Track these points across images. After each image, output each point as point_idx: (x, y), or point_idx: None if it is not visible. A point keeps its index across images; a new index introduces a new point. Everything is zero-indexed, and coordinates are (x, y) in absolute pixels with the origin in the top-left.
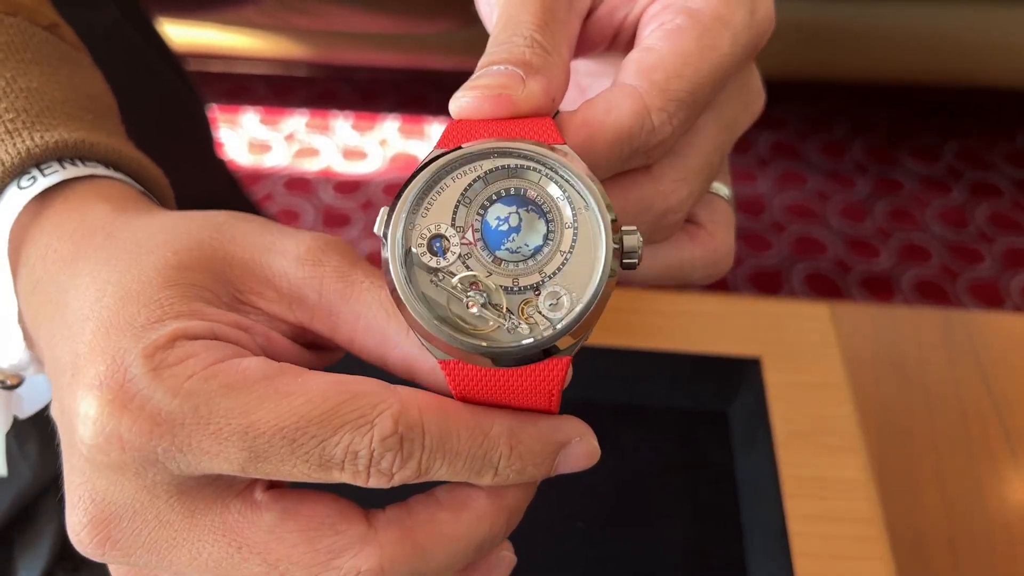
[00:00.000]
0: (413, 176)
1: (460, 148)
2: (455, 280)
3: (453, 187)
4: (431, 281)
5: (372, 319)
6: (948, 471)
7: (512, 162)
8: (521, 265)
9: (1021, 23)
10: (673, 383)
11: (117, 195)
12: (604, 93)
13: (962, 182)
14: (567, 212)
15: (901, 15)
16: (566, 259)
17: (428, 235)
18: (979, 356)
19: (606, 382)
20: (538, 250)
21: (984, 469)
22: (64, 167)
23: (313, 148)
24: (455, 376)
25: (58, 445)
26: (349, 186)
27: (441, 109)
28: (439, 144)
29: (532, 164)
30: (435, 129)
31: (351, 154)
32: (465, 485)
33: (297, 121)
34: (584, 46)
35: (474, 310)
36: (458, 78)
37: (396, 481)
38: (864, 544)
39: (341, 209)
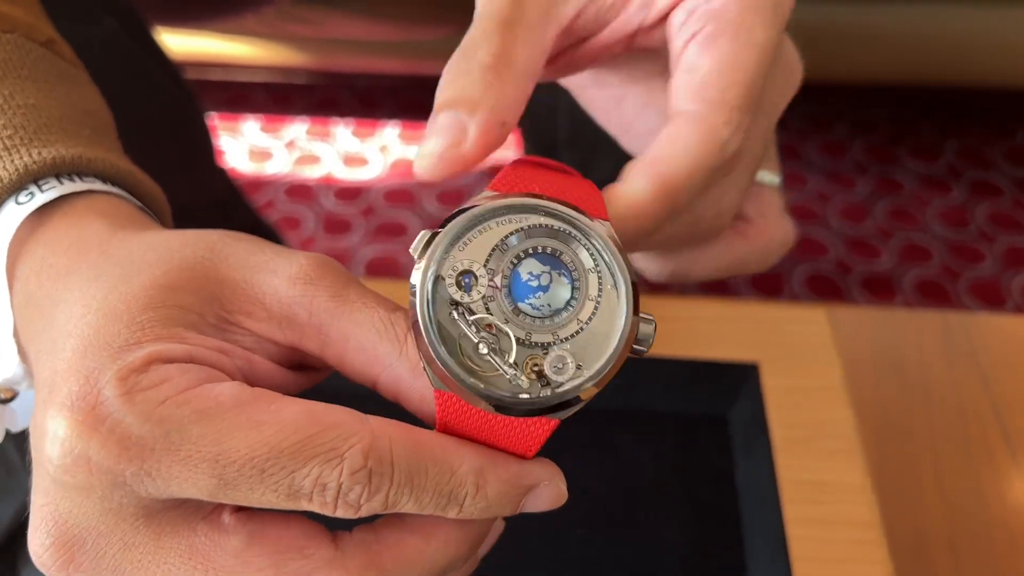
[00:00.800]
0: (460, 211)
1: (508, 196)
2: (473, 318)
3: (495, 231)
4: (450, 313)
5: (363, 339)
6: (948, 472)
7: (556, 224)
8: (538, 322)
9: (1019, 23)
10: (671, 388)
11: (115, 211)
12: (665, 130)
13: (962, 181)
14: (594, 284)
15: (900, 15)
16: (582, 328)
17: (460, 268)
18: (978, 358)
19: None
20: (557, 313)
21: (983, 470)
22: (62, 183)
23: (314, 155)
24: (444, 407)
25: (30, 463)
26: (350, 192)
27: None
28: (493, 185)
29: (572, 231)
30: None
31: (352, 161)
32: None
33: (298, 128)
34: (597, 54)
35: (483, 350)
36: None
37: (363, 512)
38: (863, 548)
39: (342, 216)
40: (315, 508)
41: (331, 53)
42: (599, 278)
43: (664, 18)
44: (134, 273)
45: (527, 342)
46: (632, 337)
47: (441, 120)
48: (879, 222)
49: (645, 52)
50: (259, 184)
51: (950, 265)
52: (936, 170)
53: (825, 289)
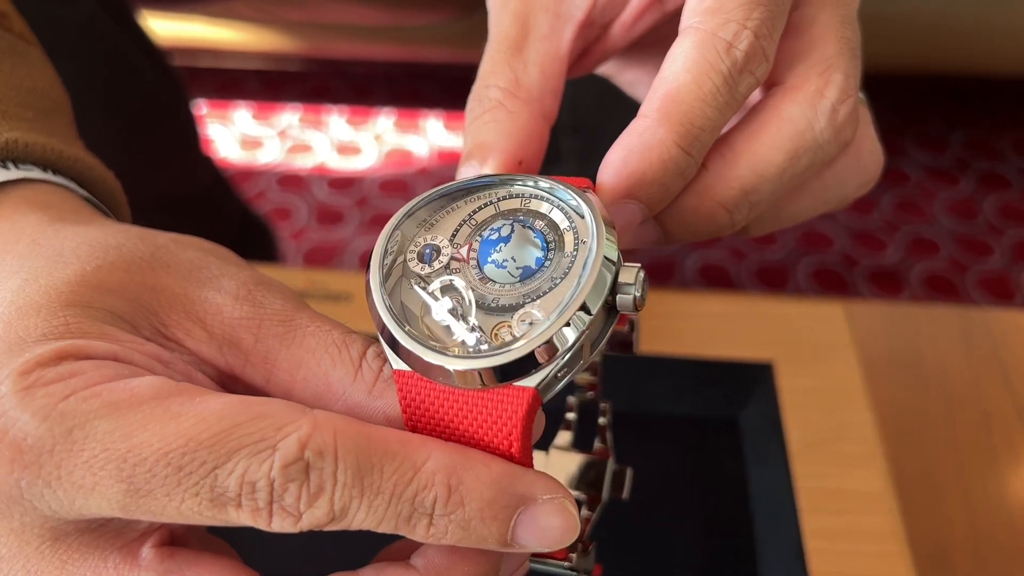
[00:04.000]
0: (422, 195)
1: (477, 178)
2: (431, 286)
3: (463, 208)
4: (412, 286)
5: (315, 366)
6: (971, 477)
7: (527, 189)
8: (508, 287)
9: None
10: (680, 389)
11: (54, 203)
12: (663, 65)
13: (970, 173)
14: (570, 242)
15: (904, 1)
16: (554, 284)
17: (421, 244)
18: (1000, 356)
19: (608, 388)
20: (529, 274)
21: (1009, 474)
22: (7, 169)
23: (306, 144)
24: (406, 391)
25: None
26: (343, 183)
27: (436, 102)
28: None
29: (544, 195)
30: (431, 123)
31: (345, 150)
32: (401, 566)
33: (290, 117)
34: (626, 34)
35: (438, 316)
36: (453, 71)
37: (305, 523)
38: (885, 560)
39: (335, 206)
40: (247, 518)
41: (323, 38)
42: (575, 235)
43: None
44: (61, 264)
45: (493, 306)
46: (599, 276)
47: (461, 173)
48: (885, 214)
49: (673, 14)
50: (250, 174)
51: (958, 258)
52: (943, 161)
53: (831, 283)
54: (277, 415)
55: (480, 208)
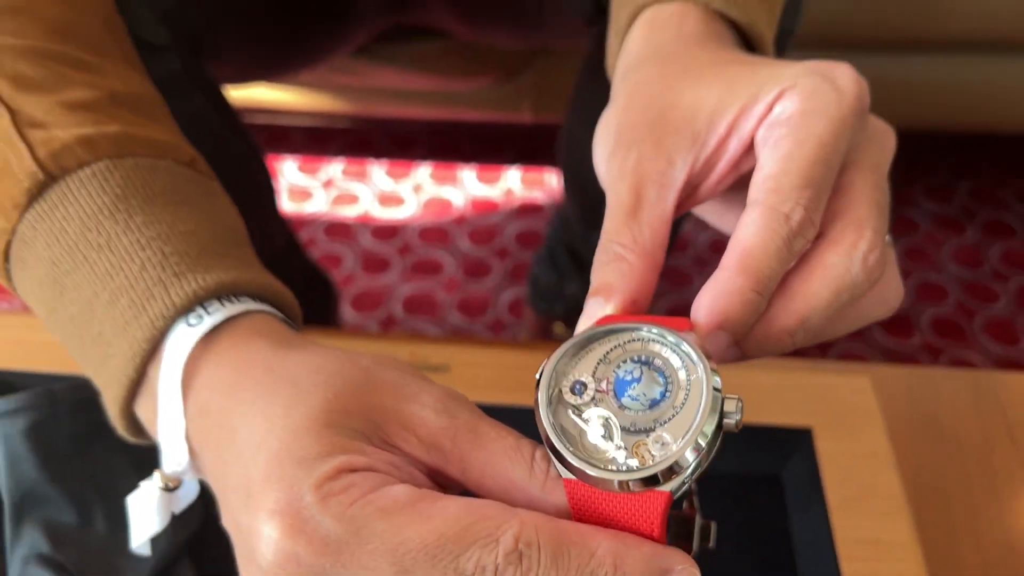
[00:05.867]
0: (568, 340)
1: (607, 325)
2: (585, 414)
3: (598, 350)
4: (570, 414)
5: (498, 465)
6: (983, 525)
7: (645, 336)
8: (640, 414)
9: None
10: (729, 451)
11: (269, 329)
12: (736, 227)
13: (976, 221)
14: (684, 377)
15: (915, 66)
16: (676, 412)
17: (572, 380)
18: (1006, 415)
19: None
20: (655, 404)
21: (1016, 521)
22: (223, 305)
23: (351, 194)
24: (573, 494)
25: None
26: (387, 231)
27: (471, 156)
28: (597, 322)
29: (659, 339)
30: (466, 175)
31: (387, 200)
32: None
33: (335, 168)
34: (713, 190)
35: (595, 440)
36: (487, 128)
37: None
38: None
39: (380, 254)
40: None
41: (370, 100)
42: (687, 372)
43: (753, 139)
44: (306, 394)
45: (632, 429)
46: (712, 407)
47: (589, 304)
48: (897, 262)
49: (746, 175)
50: (299, 223)
51: (966, 304)
52: (950, 210)
53: None
54: (497, 516)
55: (611, 350)
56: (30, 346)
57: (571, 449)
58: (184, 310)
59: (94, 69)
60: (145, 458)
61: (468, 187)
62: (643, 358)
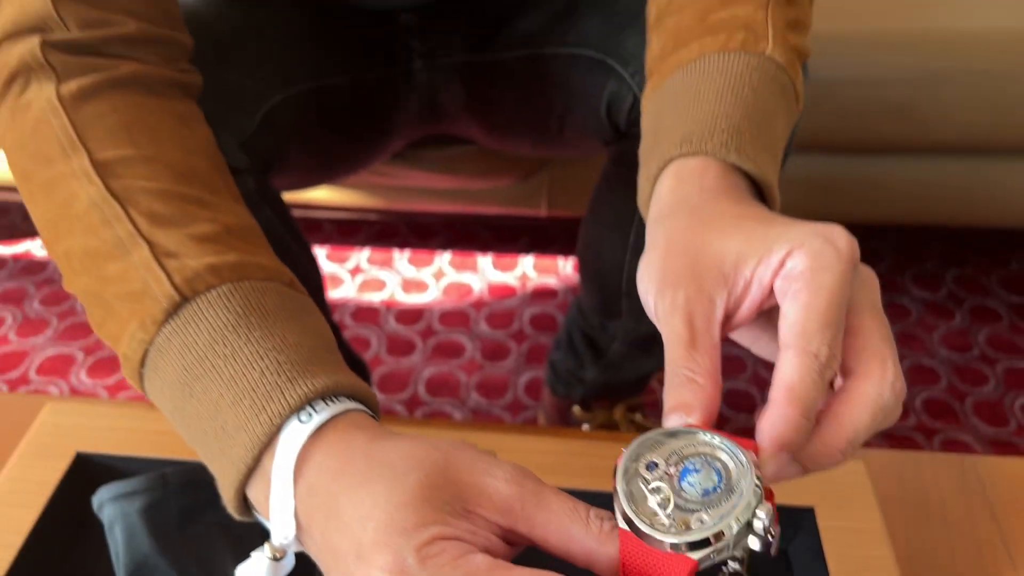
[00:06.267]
0: (658, 429)
1: (681, 427)
2: (650, 486)
3: (673, 443)
4: (639, 483)
5: (560, 523)
6: None
7: (715, 443)
8: (694, 497)
9: (1002, 174)
10: None
11: (363, 424)
12: (778, 363)
13: (963, 307)
14: (734, 479)
15: (901, 167)
16: (720, 503)
17: (649, 459)
18: (988, 495)
19: None
20: (707, 493)
21: None
22: (327, 404)
23: (377, 280)
24: (625, 543)
25: None
26: (410, 315)
27: (488, 244)
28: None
29: (724, 448)
30: (483, 262)
31: (410, 285)
32: None
33: (362, 256)
34: (743, 320)
35: (654, 508)
36: (503, 219)
37: None
38: None
39: (404, 337)
40: None
41: (396, 197)
42: (739, 478)
43: (771, 286)
44: (402, 476)
45: (683, 507)
46: (746, 507)
47: (671, 419)
48: None
49: (771, 308)
50: (330, 307)
51: (956, 386)
52: (939, 297)
53: None
54: None
55: (686, 446)
56: (144, 435)
57: (633, 508)
58: (296, 409)
59: (212, 206)
60: (238, 536)
61: (485, 273)
62: (708, 458)
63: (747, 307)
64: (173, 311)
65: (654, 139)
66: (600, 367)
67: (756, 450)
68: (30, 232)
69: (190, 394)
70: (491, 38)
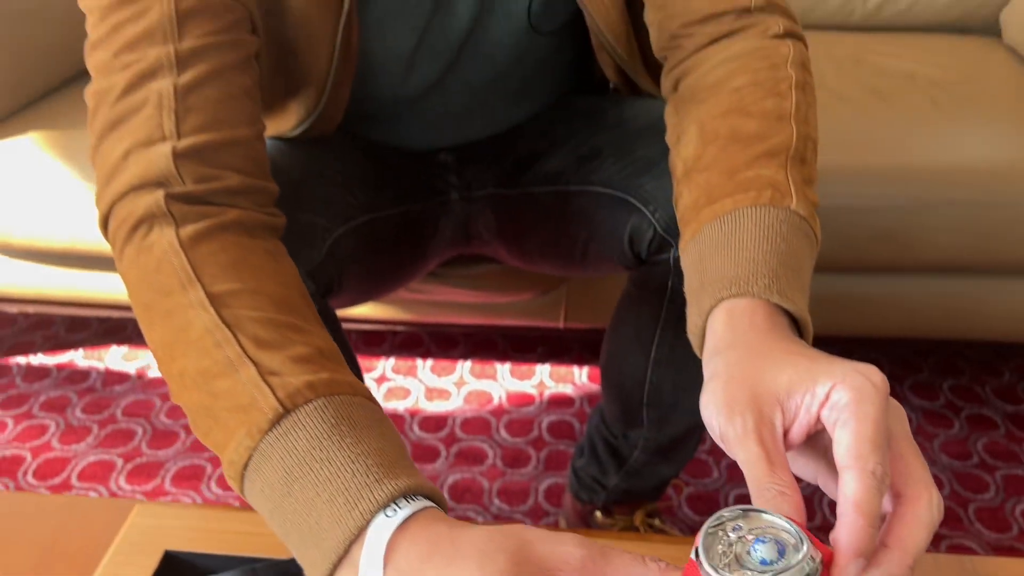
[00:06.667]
0: (729, 508)
1: (777, 514)
2: (727, 541)
3: (759, 520)
4: (719, 537)
5: (627, 570)
6: None
7: (793, 532)
8: (754, 562)
9: (985, 292)
10: None
11: (442, 517)
12: (840, 483)
13: (961, 416)
14: (792, 563)
15: (889, 285)
16: (770, 570)
17: (736, 523)
18: None
19: None
20: (764, 563)
21: None
22: (409, 502)
23: (402, 388)
24: (688, 572)
25: None
26: (434, 422)
27: (506, 354)
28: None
29: (796, 539)
30: (501, 370)
31: (433, 393)
32: None
33: (387, 365)
34: (796, 440)
35: (719, 557)
36: (522, 330)
37: None
38: None
39: (429, 443)
40: None
41: (420, 310)
42: (796, 564)
43: (819, 415)
44: (491, 556)
45: (742, 565)
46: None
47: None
48: None
49: (820, 432)
50: None
51: (959, 493)
52: (937, 406)
53: None
54: None
55: (769, 526)
56: (227, 535)
57: (705, 551)
58: (383, 506)
59: (304, 331)
60: None
61: (504, 382)
62: (779, 541)
63: (796, 431)
64: (277, 421)
65: (700, 279)
66: (622, 474)
67: (829, 555)
68: (73, 343)
69: (288, 492)
70: (520, 175)
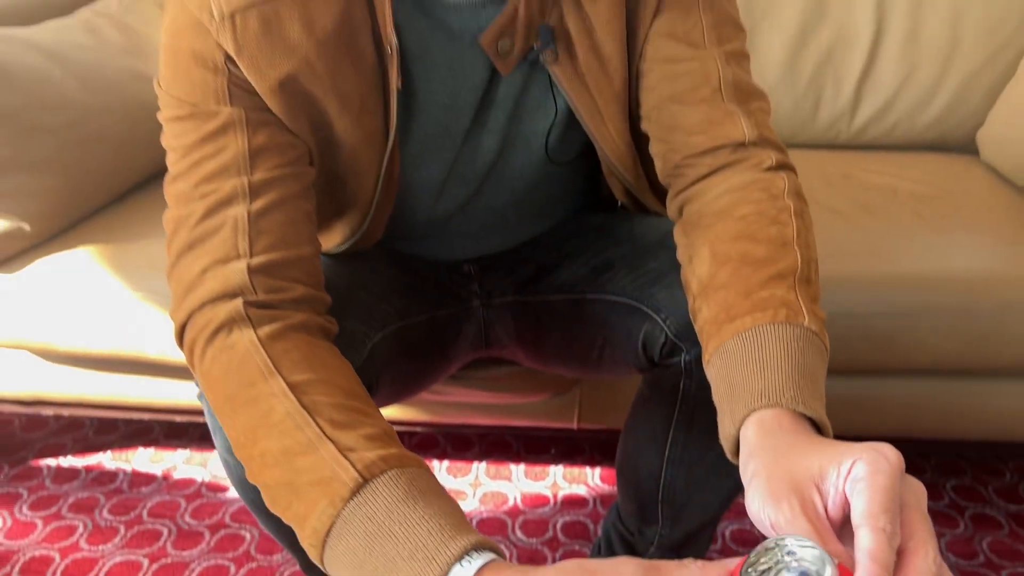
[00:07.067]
0: (764, 542)
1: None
2: (769, 563)
3: (804, 552)
4: (761, 560)
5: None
6: None
7: (823, 558)
8: None
9: (980, 394)
10: None
11: (510, 565)
12: (856, 543)
13: (966, 516)
14: None
15: (886, 388)
16: None
17: (785, 551)
18: None
19: None
20: None
21: None
22: (479, 554)
23: None
24: None
25: None
26: None
27: (519, 455)
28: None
29: (817, 561)
30: (517, 471)
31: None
32: None
33: None
34: (833, 517)
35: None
36: (535, 431)
37: None
38: None
39: None
40: None
41: (438, 411)
42: None
43: (843, 490)
44: None
45: None
46: None
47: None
48: None
49: (842, 505)
50: None
51: None
52: (941, 506)
53: None
54: None
55: (808, 560)
56: None
57: (750, 566)
58: (458, 558)
59: (369, 415)
60: None
61: (519, 483)
62: (803, 570)
63: (832, 508)
64: (357, 491)
65: (729, 390)
66: None
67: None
68: (101, 446)
69: (371, 552)
70: (538, 283)
